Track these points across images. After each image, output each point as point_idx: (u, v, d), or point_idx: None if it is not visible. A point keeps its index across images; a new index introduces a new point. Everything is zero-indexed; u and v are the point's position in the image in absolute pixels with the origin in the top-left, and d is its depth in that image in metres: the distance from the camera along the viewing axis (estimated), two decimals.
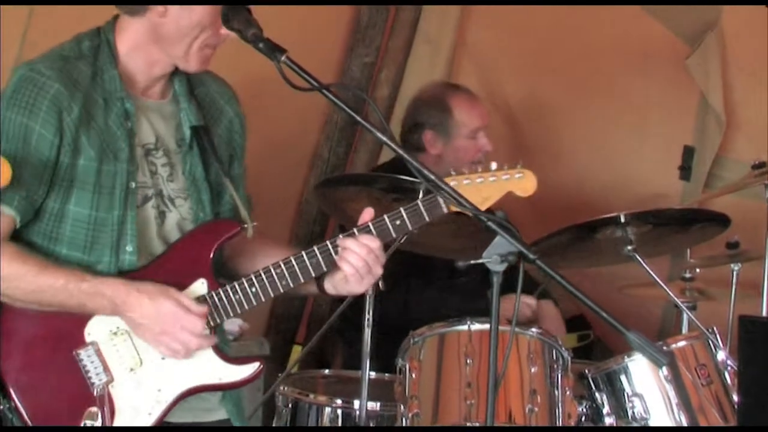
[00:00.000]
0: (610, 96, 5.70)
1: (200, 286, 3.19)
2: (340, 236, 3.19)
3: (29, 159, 3.08)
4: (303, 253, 3.18)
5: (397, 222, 3.19)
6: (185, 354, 3.13)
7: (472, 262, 2.97)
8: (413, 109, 5.17)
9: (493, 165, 3.21)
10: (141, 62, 3.22)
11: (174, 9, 3.14)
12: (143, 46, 3.21)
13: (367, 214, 3.23)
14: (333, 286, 3.27)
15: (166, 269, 3.18)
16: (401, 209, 3.20)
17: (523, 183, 3.21)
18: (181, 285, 3.17)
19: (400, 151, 3.00)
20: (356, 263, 3.16)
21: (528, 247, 2.91)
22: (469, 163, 4.96)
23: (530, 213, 5.09)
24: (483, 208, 3.11)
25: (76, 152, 3.12)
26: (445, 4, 5.79)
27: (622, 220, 4.27)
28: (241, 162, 3.47)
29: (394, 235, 3.22)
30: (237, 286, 3.18)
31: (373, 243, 3.17)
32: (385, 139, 3.01)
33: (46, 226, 3.15)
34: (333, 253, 3.18)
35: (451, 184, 3.11)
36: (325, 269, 3.20)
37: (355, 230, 3.19)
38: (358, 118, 3.02)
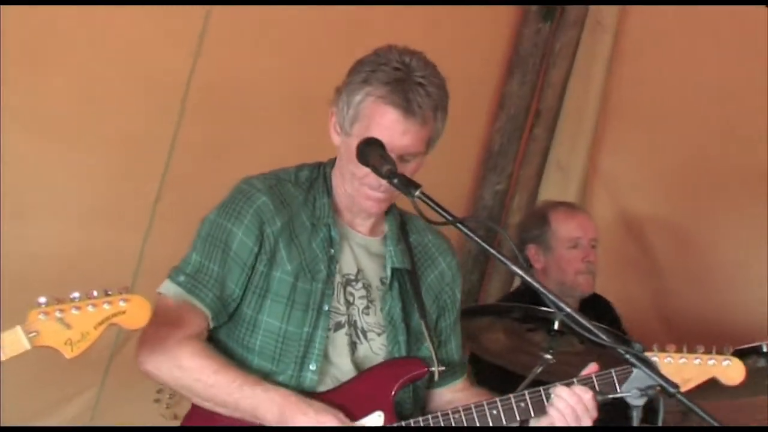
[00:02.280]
0: (749, 217, 5.62)
1: (376, 418, 3.20)
2: (557, 384, 3.17)
3: (227, 261, 3.19)
4: (511, 396, 3.17)
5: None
6: None
7: (611, 396, 2.93)
8: (518, 229, 5.25)
9: (700, 348, 3.21)
10: (343, 195, 3.32)
11: (342, 142, 3.24)
12: (340, 183, 3.32)
13: (592, 368, 3.20)
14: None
15: (345, 396, 3.20)
16: (612, 371, 3.15)
17: (730, 371, 3.20)
18: (357, 414, 3.19)
19: (535, 283, 2.99)
20: (564, 410, 3.12)
21: (668, 380, 2.86)
22: (574, 274, 4.94)
23: (666, 337, 5.00)
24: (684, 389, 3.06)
25: (272, 263, 3.22)
26: None
27: (765, 349, 4.16)
28: (454, 314, 3.50)
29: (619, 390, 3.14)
30: (422, 421, 3.18)
31: (585, 393, 3.14)
32: (518, 270, 3.02)
33: (240, 333, 3.24)
34: (545, 399, 3.16)
35: (665, 360, 3.15)
36: (533, 415, 3.18)
37: (574, 380, 3.16)
38: (491, 250, 3.04)
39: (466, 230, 3.04)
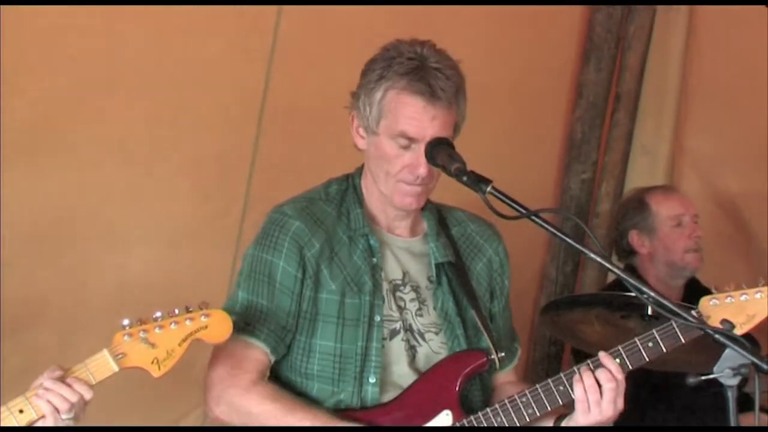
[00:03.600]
0: None
1: (445, 418, 3.19)
2: (589, 362, 3.15)
3: (275, 294, 3.21)
4: (549, 380, 3.16)
5: (650, 344, 3.14)
6: None
7: (703, 377, 2.88)
8: (617, 216, 5.20)
9: (761, 281, 3.14)
10: (376, 202, 3.32)
11: (369, 143, 3.25)
12: (371, 186, 3.30)
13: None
14: (568, 424, 3.20)
15: (411, 402, 3.20)
16: (654, 331, 3.15)
17: None
18: (426, 417, 3.18)
19: (617, 271, 2.96)
20: (589, 385, 3.11)
21: (762, 357, 2.80)
22: (682, 252, 4.86)
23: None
24: (748, 326, 3.03)
25: (317, 286, 3.22)
26: None
27: None
28: (503, 301, 3.48)
29: (647, 359, 3.16)
30: (482, 417, 3.17)
31: (617, 373, 3.12)
32: (599, 259, 2.99)
33: (296, 361, 3.25)
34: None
35: (710, 303, 3.06)
36: (573, 396, 3.14)
37: (601, 354, 3.15)
38: (569, 240, 3.01)
39: (542, 223, 3.02)
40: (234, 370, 3.17)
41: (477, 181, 3.05)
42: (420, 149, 3.17)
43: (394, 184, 3.22)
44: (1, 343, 4.41)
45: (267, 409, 3.15)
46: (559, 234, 3.01)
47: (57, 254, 4.44)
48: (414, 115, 3.15)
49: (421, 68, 3.16)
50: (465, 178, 3.06)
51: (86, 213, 4.48)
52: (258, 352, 3.19)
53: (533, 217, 2.99)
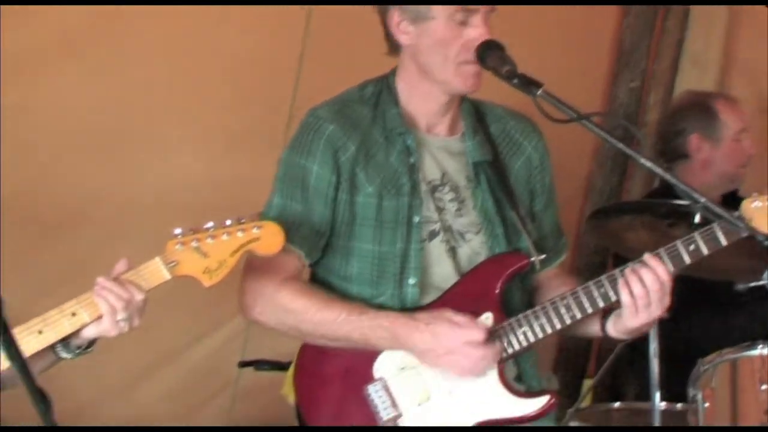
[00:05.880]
0: None
1: (484, 320, 3.19)
2: (630, 264, 3.13)
3: (309, 198, 3.21)
4: (590, 283, 3.15)
5: (692, 247, 3.11)
6: (475, 369, 3.12)
7: (752, 284, 2.87)
8: (673, 116, 5.10)
9: None
10: (418, 99, 3.28)
11: (418, 35, 3.20)
12: (415, 83, 3.27)
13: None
14: (615, 325, 3.20)
15: (451, 304, 3.19)
16: (695, 234, 3.13)
17: None
18: None
19: (669, 176, 2.94)
20: (637, 291, 3.09)
21: None
22: (738, 167, 4.82)
23: None
24: None
25: (353, 189, 3.21)
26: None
27: None
28: (544, 198, 3.45)
29: (688, 262, 3.14)
30: (523, 319, 3.17)
31: (663, 274, 3.09)
32: (649, 164, 2.96)
33: (335, 264, 3.26)
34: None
35: (752, 205, 3.05)
36: (613, 298, 3.13)
37: (645, 257, 3.12)
38: (620, 145, 2.99)
39: (593, 127, 3.00)
40: (267, 273, 3.19)
41: (528, 84, 3.02)
42: (478, 20, 3.15)
43: (455, 68, 3.19)
44: (47, 248, 4.48)
45: (302, 303, 3.17)
46: (610, 139, 2.99)
47: (102, 159, 4.47)
48: None
49: None
50: (516, 81, 3.04)
51: (132, 118, 4.50)
52: (291, 256, 3.20)
53: (584, 122, 2.96)
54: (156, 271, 2.88)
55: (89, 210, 4.53)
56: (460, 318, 3.12)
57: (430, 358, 3.14)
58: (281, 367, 4.24)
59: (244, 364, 4.95)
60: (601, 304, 3.14)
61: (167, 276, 2.89)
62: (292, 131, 4.60)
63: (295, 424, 3.62)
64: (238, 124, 4.69)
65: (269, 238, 2.97)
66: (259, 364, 4.81)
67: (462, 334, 3.10)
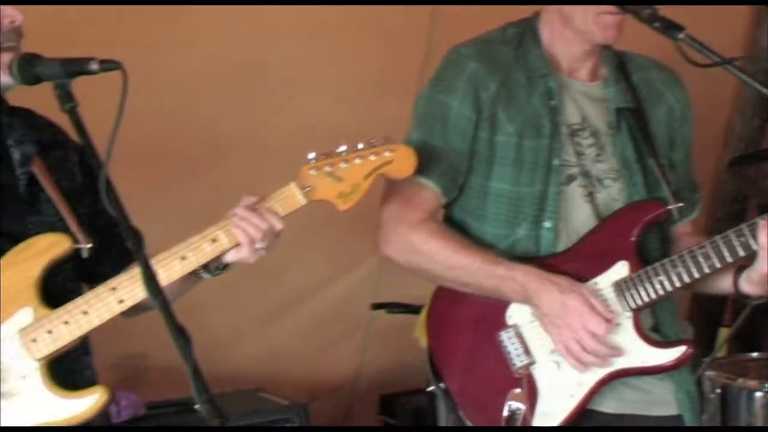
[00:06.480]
0: None
1: (621, 268, 3.14)
2: None
3: (448, 135, 3.17)
4: (729, 231, 3.07)
5: None
6: (578, 357, 3.08)
7: None
8: None
9: None
10: (560, 44, 3.24)
11: None
12: (558, 30, 3.23)
13: None
14: (749, 280, 3.12)
15: (586, 252, 3.16)
16: None
17: None
18: (602, 267, 3.14)
19: None
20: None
21: None
22: None
23: None
24: None
25: (493, 128, 3.17)
26: None
27: None
28: (683, 150, 3.38)
29: None
30: (659, 268, 3.11)
31: None
32: None
33: (472, 204, 3.22)
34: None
35: None
36: (753, 247, 3.05)
37: None
38: (764, 90, 2.89)
39: (737, 71, 2.91)
40: (402, 209, 3.17)
41: (669, 27, 2.94)
42: None
43: (593, 18, 3.14)
44: (187, 185, 4.56)
45: (435, 245, 3.15)
46: (753, 83, 2.90)
47: (242, 98, 4.52)
48: None
49: None
50: (657, 24, 2.96)
51: (271, 59, 4.54)
52: (429, 193, 3.18)
53: (727, 66, 2.88)
54: (291, 197, 2.87)
55: (229, 147, 4.60)
56: (597, 303, 3.08)
57: (547, 323, 3.11)
58: (413, 310, 4.24)
59: (376, 306, 5.00)
60: (741, 253, 3.06)
61: (303, 201, 2.88)
62: (426, 74, 4.66)
63: (426, 367, 3.64)
64: (374, 66, 4.69)
65: (402, 161, 2.94)
66: (391, 307, 4.86)
67: (589, 319, 3.05)
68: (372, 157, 2.91)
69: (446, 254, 3.14)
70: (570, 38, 3.21)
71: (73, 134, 2.50)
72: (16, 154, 2.79)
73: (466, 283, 3.15)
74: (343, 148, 2.90)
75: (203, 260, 2.79)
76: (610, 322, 3.07)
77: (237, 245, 2.80)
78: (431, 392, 3.25)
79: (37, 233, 2.73)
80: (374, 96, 4.71)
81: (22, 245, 2.71)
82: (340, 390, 5.41)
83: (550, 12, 3.24)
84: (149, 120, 3.92)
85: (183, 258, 2.77)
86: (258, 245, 2.80)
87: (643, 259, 3.15)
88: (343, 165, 2.89)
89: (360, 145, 2.91)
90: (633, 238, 3.15)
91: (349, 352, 5.37)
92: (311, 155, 2.88)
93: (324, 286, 5.12)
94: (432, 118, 3.19)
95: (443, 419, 3.39)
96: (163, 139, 4.33)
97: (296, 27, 4.53)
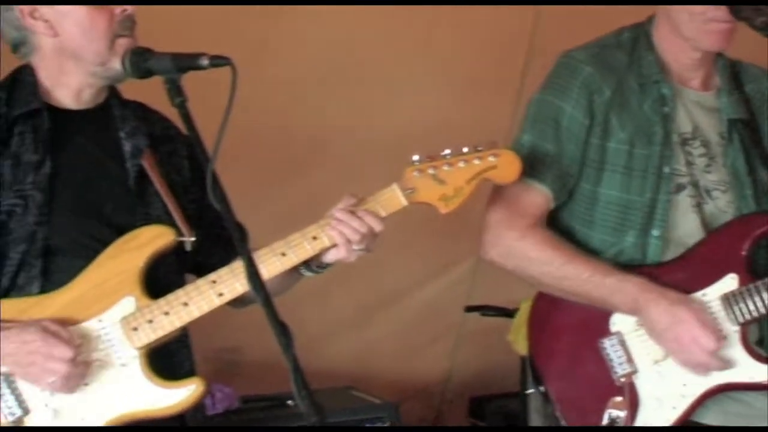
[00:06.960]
0: None
1: (730, 281, 3.11)
2: None
3: (561, 138, 3.16)
4: None
5: None
6: (687, 365, 3.06)
7: None
8: None
9: None
10: (671, 52, 3.22)
11: None
12: (669, 37, 3.21)
13: None
14: None
15: (694, 263, 3.14)
16: None
17: None
18: (710, 279, 3.11)
19: None
20: None
21: None
22: None
23: None
24: None
25: (606, 134, 3.16)
26: None
27: None
28: None
29: None
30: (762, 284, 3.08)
31: None
32: None
33: (580, 209, 3.21)
34: None
35: None
36: None
37: None
38: None
39: None
40: (512, 214, 3.16)
41: None
42: None
43: (700, 25, 3.11)
44: (289, 182, 4.59)
45: (545, 255, 3.14)
46: None
47: (343, 97, 4.53)
48: None
49: None
50: None
51: (373, 59, 4.55)
52: (539, 196, 3.17)
53: None
54: (393, 198, 2.87)
55: (331, 146, 4.61)
56: (707, 318, 3.05)
57: (656, 333, 3.08)
58: (507, 313, 4.24)
59: (470, 309, 4.98)
60: None
61: (404, 202, 2.88)
62: (528, 75, 4.65)
63: (517, 371, 3.62)
64: (475, 67, 4.68)
65: (506, 167, 2.93)
66: (484, 310, 4.83)
67: (699, 333, 3.02)
68: (476, 162, 2.89)
69: (557, 264, 3.13)
70: (680, 46, 3.18)
71: (182, 129, 2.53)
72: (127, 147, 2.83)
73: (575, 293, 3.14)
74: (447, 151, 2.89)
75: (302, 258, 2.80)
76: (718, 341, 3.04)
77: (335, 245, 2.81)
78: (525, 395, 3.24)
79: (143, 225, 2.77)
80: (475, 96, 4.70)
81: (127, 236, 2.75)
82: (430, 391, 5.40)
83: (661, 20, 3.21)
84: (254, 117, 3.94)
85: (283, 255, 2.78)
86: (356, 246, 2.80)
87: (752, 273, 3.11)
88: (446, 168, 2.88)
89: (465, 149, 2.90)
90: (743, 252, 3.12)
91: (440, 354, 5.36)
92: (415, 157, 2.88)
93: (418, 287, 5.12)
94: (544, 122, 3.18)
95: (536, 424, 3.38)
96: (266, 137, 4.36)
97: (398, 27, 4.53)
